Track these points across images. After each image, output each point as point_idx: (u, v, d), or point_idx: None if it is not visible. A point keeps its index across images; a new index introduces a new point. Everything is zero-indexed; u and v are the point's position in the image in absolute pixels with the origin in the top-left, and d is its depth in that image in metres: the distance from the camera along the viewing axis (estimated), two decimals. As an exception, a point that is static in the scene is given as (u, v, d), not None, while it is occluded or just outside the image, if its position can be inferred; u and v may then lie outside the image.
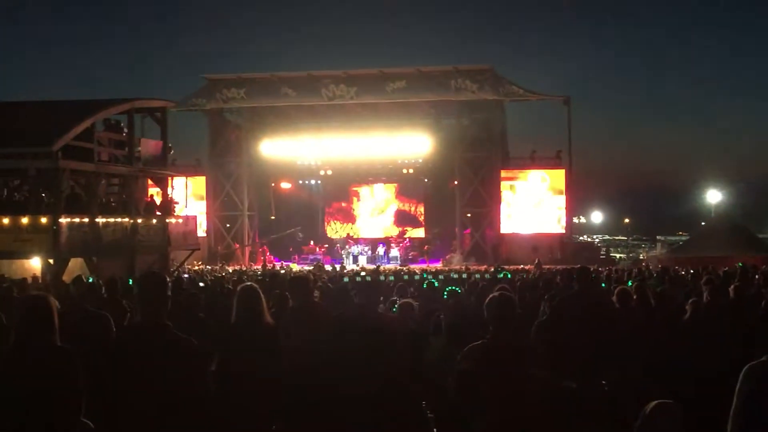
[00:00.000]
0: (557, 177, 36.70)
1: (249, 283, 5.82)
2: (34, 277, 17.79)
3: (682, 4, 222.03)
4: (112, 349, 4.29)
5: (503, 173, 36.45)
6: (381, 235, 40.03)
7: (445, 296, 8.91)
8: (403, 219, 40.84)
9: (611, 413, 5.72)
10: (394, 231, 40.17)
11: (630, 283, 10.40)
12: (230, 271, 27.88)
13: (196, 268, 31.31)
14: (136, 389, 3.97)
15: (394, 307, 8.23)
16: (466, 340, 4.76)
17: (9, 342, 4.07)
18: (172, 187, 27.65)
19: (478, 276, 16.57)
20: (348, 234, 39.51)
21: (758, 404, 3.64)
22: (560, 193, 36.62)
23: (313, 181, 40.76)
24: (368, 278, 16.89)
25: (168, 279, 4.41)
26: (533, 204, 36.55)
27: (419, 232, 40.33)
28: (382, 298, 9.11)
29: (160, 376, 3.98)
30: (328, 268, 27.10)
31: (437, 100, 35.78)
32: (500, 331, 4.45)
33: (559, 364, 5.68)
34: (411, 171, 38.46)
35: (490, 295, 4.72)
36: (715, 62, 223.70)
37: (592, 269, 10.80)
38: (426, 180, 39.22)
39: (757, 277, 12.42)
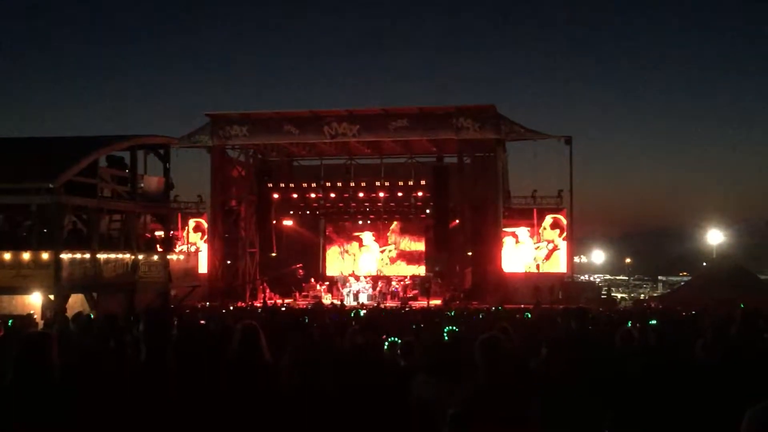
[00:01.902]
0: (558, 216, 36.73)
1: (248, 321, 5.83)
2: (29, 315, 17.71)
3: (686, 45, 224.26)
4: (116, 387, 4.31)
5: (504, 212, 36.48)
6: (382, 272, 40.02)
7: (446, 337, 8.85)
8: (404, 257, 40.87)
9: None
10: (395, 268, 40.15)
11: (629, 324, 10.37)
12: (231, 308, 27.76)
13: (197, 305, 31.19)
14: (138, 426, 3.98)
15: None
16: (454, 379, 4.75)
17: (7, 379, 4.08)
18: (174, 223, 27.72)
19: (475, 315, 16.50)
20: (340, 272, 39.44)
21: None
22: (561, 232, 36.62)
23: (314, 218, 40.79)
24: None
25: (171, 317, 4.45)
26: (534, 243, 36.55)
27: (420, 270, 40.33)
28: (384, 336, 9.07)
29: (162, 414, 3.99)
30: (326, 301, 27.02)
31: (439, 139, 35.98)
32: (490, 372, 4.45)
33: (556, 407, 5.66)
34: (412, 209, 38.52)
35: (480, 337, 4.74)
36: (718, 102, 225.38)
37: (591, 309, 10.79)
38: (427, 218, 39.25)
39: (758, 319, 12.38)
